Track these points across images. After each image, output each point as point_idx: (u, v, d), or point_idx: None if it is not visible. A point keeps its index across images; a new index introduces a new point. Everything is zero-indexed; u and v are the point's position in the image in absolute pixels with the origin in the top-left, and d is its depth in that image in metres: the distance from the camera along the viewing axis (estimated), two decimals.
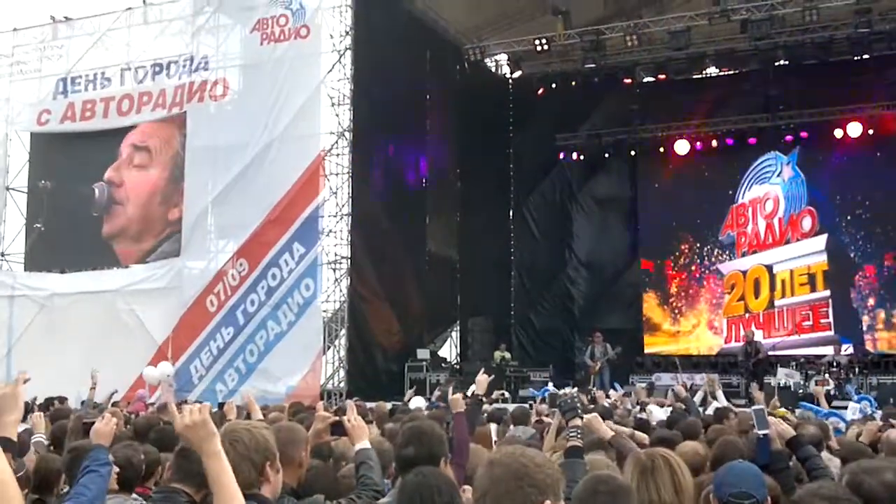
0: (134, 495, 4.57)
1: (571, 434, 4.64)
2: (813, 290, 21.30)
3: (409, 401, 11.75)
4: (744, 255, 22.34)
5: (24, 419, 8.70)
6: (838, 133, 21.14)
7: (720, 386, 12.02)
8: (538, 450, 2.98)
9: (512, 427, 8.10)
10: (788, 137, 21.83)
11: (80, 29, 21.39)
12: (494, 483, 2.49)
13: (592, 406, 9.40)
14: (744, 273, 22.21)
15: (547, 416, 8.65)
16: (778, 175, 22.11)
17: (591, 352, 19.12)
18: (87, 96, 20.98)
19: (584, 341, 21.88)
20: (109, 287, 19.84)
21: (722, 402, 10.73)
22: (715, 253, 22.66)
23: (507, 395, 15.03)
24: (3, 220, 21.66)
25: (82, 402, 10.59)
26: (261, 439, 3.27)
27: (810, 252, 21.53)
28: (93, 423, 4.38)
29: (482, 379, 6.37)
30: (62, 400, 11.79)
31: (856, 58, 21.07)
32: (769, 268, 21.91)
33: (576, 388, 14.09)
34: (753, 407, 5.43)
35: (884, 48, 20.22)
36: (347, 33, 18.84)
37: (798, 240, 21.71)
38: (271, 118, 18.75)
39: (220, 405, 12.44)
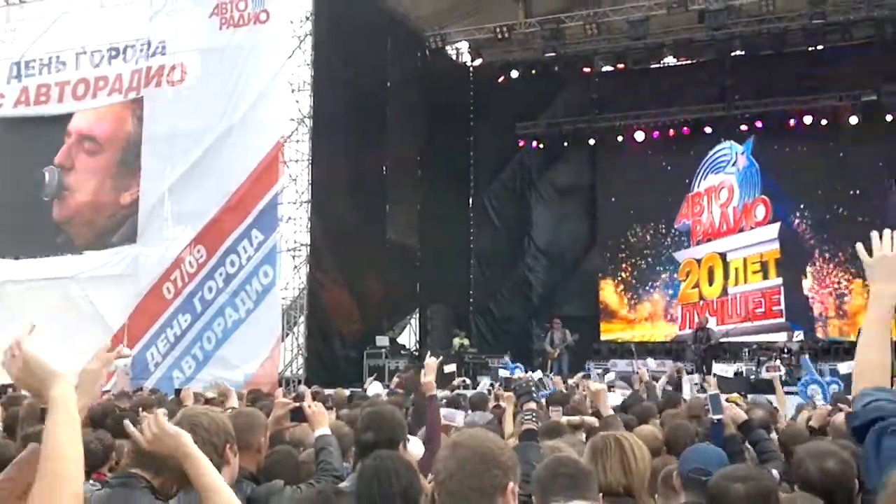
0: (91, 481, 4.55)
1: (526, 417, 4.71)
2: (765, 277, 21.63)
3: (367, 387, 11.77)
4: (699, 243, 22.64)
5: None
6: (792, 123, 21.46)
7: (684, 374, 12.21)
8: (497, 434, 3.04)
9: (469, 412, 8.15)
10: (744, 127, 22.12)
11: (33, 11, 21.01)
12: (460, 464, 2.51)
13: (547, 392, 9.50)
14: (698, 261, 22.50)
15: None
16: (733, 164, 22.39)
17: (551, 338, 19.31)
18: (42, 80, 20.64)
19: (542, 328, 22.07)
20: (64, 274, 19.57)
21: (687, 391, 10.88)
22: (671, 241, 22.94)
23: (468, 381, 15.11)
24: None
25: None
26: (220, 422, 3.29)
27: (763, 240, 21.84)
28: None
29: (430, 362, 6.44)
30: (16, 387, 11.64)
31: (810, 48, 21.40)
32: (723, 255, 22.20)
33: (539, 371, 14.16)
34: (709, 392, 5.56)
35: (837, 39, 20.57)
36: (308, 18, 18.74)
37: (752, 228, 22.02)
38: (230, 104, 18.59)
39: (177, 392, 12.40)
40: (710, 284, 22.25)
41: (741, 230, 22.18)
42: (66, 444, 2.00)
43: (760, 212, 21.98)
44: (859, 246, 2.87)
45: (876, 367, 2.62)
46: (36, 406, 5.58)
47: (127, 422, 3.06)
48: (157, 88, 19.58)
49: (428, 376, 6.21)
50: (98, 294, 19.16)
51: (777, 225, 21.65)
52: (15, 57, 20.84)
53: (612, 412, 5.83)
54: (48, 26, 20.63)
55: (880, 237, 2.75)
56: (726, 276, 22.11)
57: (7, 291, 19.80)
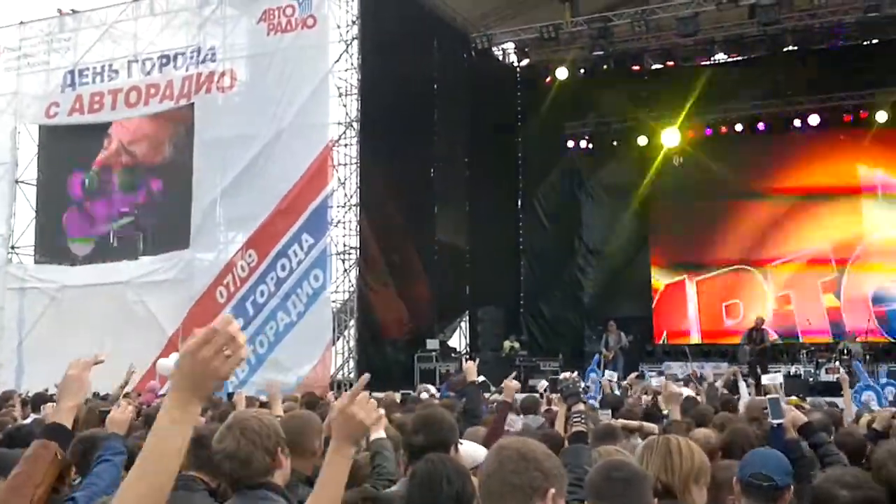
0: None
1: (575, 419, 4.62)
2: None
3: (421, 392, 11.74)
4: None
5: (37, 410, 8.74)
6: (849, 118, 21.06)
7: (741, 377, 11.99)
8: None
9: (522, 416, 8.09)
10: (797, 123, 21.72)
11: (86, 21, 21.39)
12: (501, 463, 2.51)
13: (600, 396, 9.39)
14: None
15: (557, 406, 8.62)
16: None
17: (606, 341, 19.10)
18: (95, 88, 20.98)
19: (594, 330, 21.90)
20: (119, 279, 19.86)
21: (744, 393, 10.68)
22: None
23: (517, 384, 14.98)
24: (13, 214, 21.67)
25: (94, 394, 10.62)
26: (270, 426, 3.29)
27: None
28: (108, 411, 4.39)
29: (470, 366, 6.39)
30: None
31: (865, 42, 20.95)
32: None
33: (576, 373, 13.98)
34: (769, 396, 5.44)
35: (893, 32, 20.11)
36: (354, 23, 18.79)
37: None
38: (279, 109, 18.71)
39: (230, 395, 12.48)
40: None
41: None
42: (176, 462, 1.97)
43: None
44: None
45: None
46: (95, 410, 5.65)
47: (361, 379, 2.87)
48: (207, 95, 19.79)
49: (471, 378, 6.16)
50: (152, 299, 19.40)
51: None
52: (69, 66, 21.22)
53: (679, 417, 5.68)
54: (100, 35, 20.98)
55: None
56: None
57: (64, 297, 20.17)
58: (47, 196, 21.59)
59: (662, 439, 3.65)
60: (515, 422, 6.53)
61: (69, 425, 3.53)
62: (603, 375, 14.66)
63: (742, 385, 11.54)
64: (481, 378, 6.37)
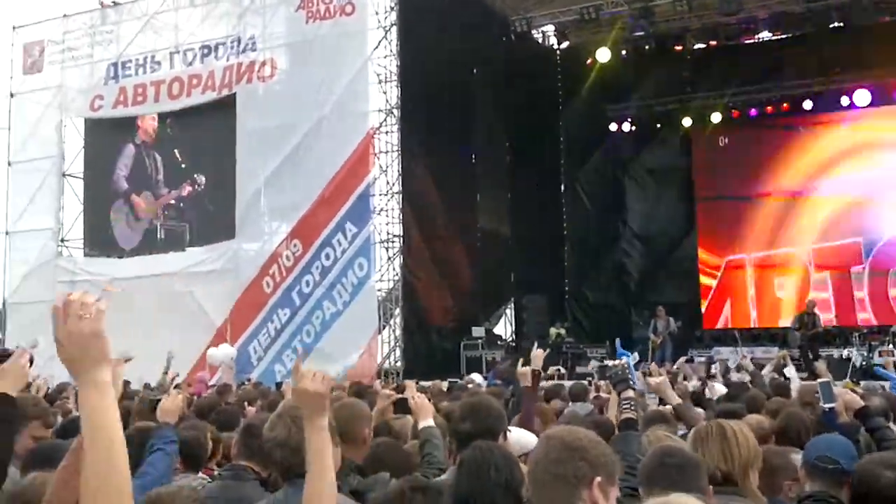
0: (200, 475, 4.60)
1: (625, 406, 4.56)
2: None
3: (468, 382, 11.71)
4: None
5: None
6: None
7: (791, 362, 11.80)
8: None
9: (570, 403, 8.03)
10: (845, 100, 21.29)
11: (128, 13, 21.59)
12: (546, 452, 2.54)
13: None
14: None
15: (607, 393, 8.55)
16: None
17: (654, 326, 18.90)
18: (138, 80, 21.19)
19: (640, 315, 21.73)
20: (167, 270, 20.08)
21: (793, 377, 10.51)
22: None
23: (562, 370, 14.92)
24: (61, 207, 21.98)
25: (145, 385, 10.74)
26: None
27: None
28: (158, 401, 4.42)
29: (538, 353, 6.33)
30: (125, 383, 11.96)
31: None
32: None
33: (625, 359, 13.82)
34: (819, 380, 5.36)
35: None
36: (392, 9, 18.76)
37: None
38: (319, 97, 18.75)
39: (279, 385, 12.57)
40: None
41: None
42: (117, 428, 1.97)
43: None
44: None
45: None
46: (145, 400, 5.69)
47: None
48: (249, 84, 19.89)
49: (535, 365, 6.12)
50: (200, 290, 19.60)
51: None
52: (112, 58, 21.44)
53: (679, 401, 5.61)
54: (142, 27, 21.17)
55: None
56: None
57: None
58: (94, 189, 21.88)
59: (716, 426, 3.59)
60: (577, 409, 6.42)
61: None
62: (651, 363, 14.53)
63: (791, 369, 11.35)
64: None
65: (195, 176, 20.83)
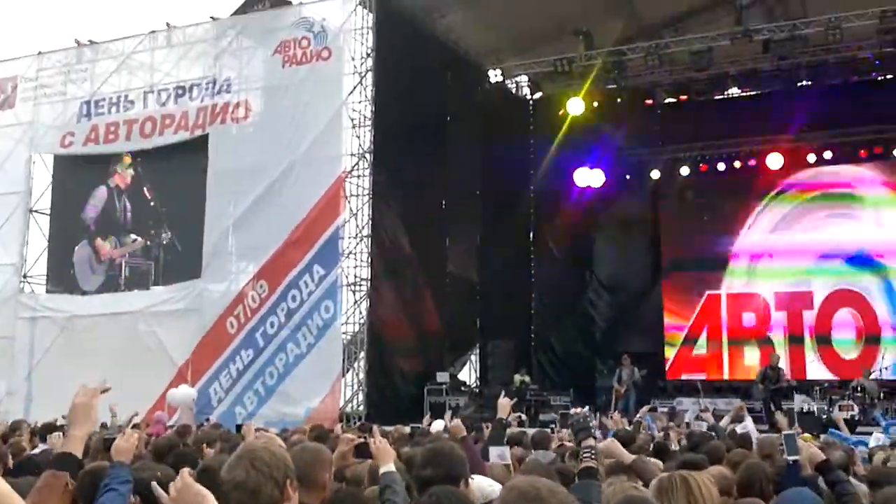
0: None
1: (585, 454, 4.55)
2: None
3: (429, 424, 11.62)
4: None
5: (45, 440, 8.69)
6: (863, 153, 21.01)
7: (747, 413, 11.85)
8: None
9: (532, 451, 7.98)
10: (812, 158, 21.67)
11: (104, 52, 21.57)
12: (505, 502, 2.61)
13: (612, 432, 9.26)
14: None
15: (570, 441, 8.52)
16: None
17: (619, 375, 18.99)
18: (111, 119, 21.11)
19: (605, 364, 21.77)
20: (130, 308, 19.87)
21: (751, 429, 10.55)
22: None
23: (523, 417, 14.87)
24: (25, 242, 21.73)
25: (102, 424, 10.56)
26: (280, 457, 3.22)
27: None
28: (113, 440, 4.33)
29: (504, 402, 6.31)
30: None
31: (880, 77, 20.95)
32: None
33: (587, 407, 13.85)
34: (784, 432, 5.37)
35: None
36: (369, 55, 18.91)
37: None
38: (293, 140, 18.80)
39: (238, 427, 12.41)
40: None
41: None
42: None
43: None
44: None
45: None
46: (101, 439, 5.59)
47: (154, 484, 3.07)
48: (222, 125, 19.90)
49: (501, 414, 6.10)
50: (163, 329, 19.39)
51: None
52: (85, 96, 21.37)
53: (632, 458, 5.62)
54: (117, 66, 21.15)
55: None
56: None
57: (73, 326, 20.16)
58: (60, 226, 21.66)
59: (680, 478, 3.57)
60: (504, 455, 6.37)
61: (79, 454, 3.49)
62: (614, 411, 14.53)
63: (749, 421, 11.40)
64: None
65: (163, 227, 20.65)
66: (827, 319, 21.26)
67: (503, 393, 6.79)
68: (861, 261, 21.17)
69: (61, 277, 21.37)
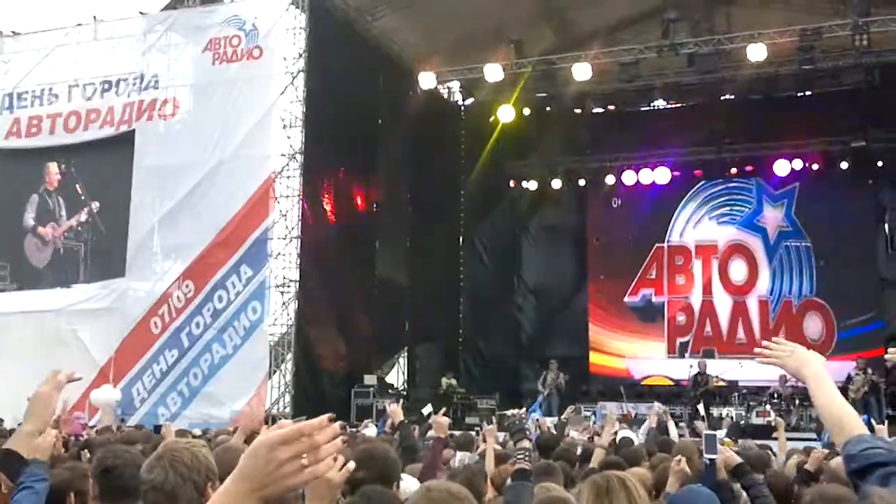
0: None
1: (519, 455, 4.62)
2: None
3: (363, 429, 11.61)
4: (685, 351, 21.85)
5: None
6: (780, 167, 21.60)
7: (669, 417, 12.13)
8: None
9: (457, 453, 8.05)
10: (734, 170, 22.27)
11: (27, 44, 21.04)
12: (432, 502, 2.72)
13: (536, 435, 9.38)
14: (679, 388, 20.08)
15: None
16: (756, 217, 22.11)
17: (544, 378, 19.24)
18: (34, 112, 20.61)
19: (531, 368, 21.99)
20: (52, 306, 19.41)
21: (673, 433, 10.80)
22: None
23: (448, 420, 14.92)
24: None
25: (19, 425, 10.31)
26: (202, 458, 3.18)
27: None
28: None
29: (442, 421, 6.34)
30: None
31: (800, 94, 21.60)
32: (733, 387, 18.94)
33: (524, 409, 14.02)
34: (706, 432, 5.51)
35: (826, 85, 20.79)
36: (300, 56, 18.79)
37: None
38: (222, 139, 18.60)
39: (157, 428, 12.25)
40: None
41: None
42: None
43: (814, 327, 21.00)
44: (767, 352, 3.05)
45: (853, 420, 2.76)
46: None
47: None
48: (149, 122, 19.58)
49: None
50: (85, 328, 18.98)
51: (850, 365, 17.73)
52: (8, 88, 20.83)
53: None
54: (41, 59, 20.65)
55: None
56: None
57: None
58: None
59: (616, 479, 3.61)
60: (465, 458, 6.49)
61: (27, 451, 3.37)
62: (539, 413, 14.72)
63: (671, 425, 11.67)
64: (427, 410, 6.39)
65: (91, 204, 20.23)
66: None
67: (437, 412, 6.82)
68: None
69: None
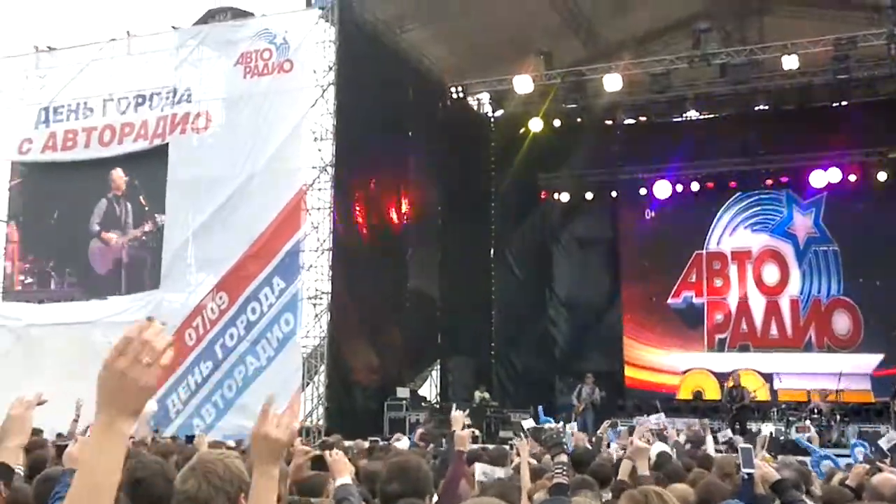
0: None
1: (556, 469, 4.57)
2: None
3: (395, 442, 11.59)
4: (722, 346, 21.98)
5: None
6: (816, 178, 21.36)
7: (709, 431, 11.99)
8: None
9: (477, 465, 7.96)
10: (769, 181, 22.05)
11: (63, 59, 21.31)
12: None
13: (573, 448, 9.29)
14: (720, 378, 20.84)
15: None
16: (787, 226, 22.04)
17: (579, 392, 19.03)
18: (69, 126, 20.85)
19: (564, 382, 21.85)
20: (87, 318, 19.57)
21: (710, 447, 10.68)
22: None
23: (476, 433, 14.84)
24: None
25: (58, 434, 10.39)
26: (234, 469, 3.18)
27: (850, 371, 19.58)
28: (65, 446, 4.28)
29: (457, 415, 6.29)
30: (37, 431, 11.56)
31: (834, 104, 21.36)
32: (768, 379, 20.61)
33: (562, 423, 13.90)
34: (741, 445, 5.44)
35: (861, 95, 20.55)
36: (331, 68, 18.86)
37: (828, 348, 21.14)
38: (254, 151, 18.71)
39: (189, 438, 12.29)
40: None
41: (808, 347, 21.28)
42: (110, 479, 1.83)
43: (842, 323, 21.15)
44: None
45: None
46: (56, 445, 5.52)
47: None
48: (182, 135, 19.73)
49: (456, 428, 6.09)
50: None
51: (877, 357, 19.91)
52: (44, 102, 21.09)
53: (648, 473, 5.67)
54: (77, 73, 20.91)
55: None
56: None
57: (29, 335, 19.82)
58: (24, 233, 21.25)
59: (654, 493, 3.58)
60: (495, 472, 6.41)
61: (14, 464, 3.49)
62: (572, 427, 14.57)
63: (709, 440, 11.53)
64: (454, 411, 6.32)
65: (157, 216, 20.35)
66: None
67: (455, 406, 6.78)
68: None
69: (16, 285, 21.00)
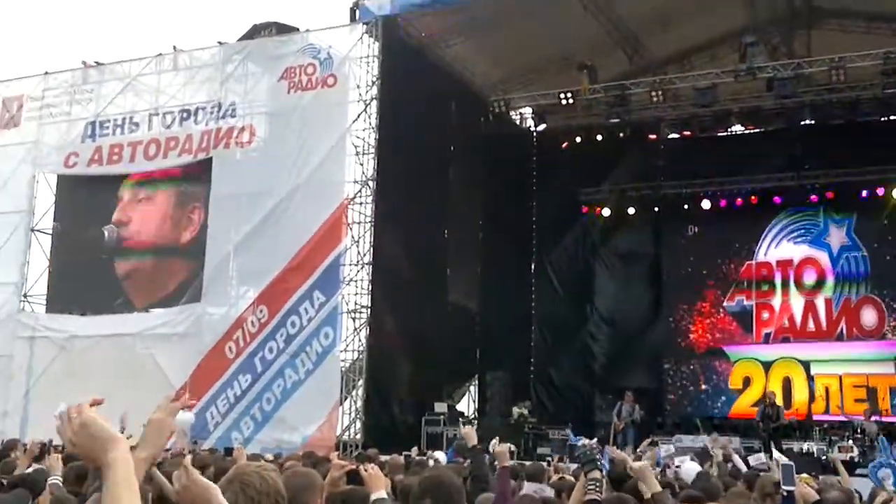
0: None
1: (590, 486, 4.50)
2: (875, 412, 18.60)
3: (432, 457, 11.52)
4: (768, 339, 22.20)
5: (39, 460, 8.64)
6: (865, 194, 21.01)
7: (732, 449, 11.78)
8: None
9: (526, 484, 7.88)
10: (814, 197, 21.72)
11: (110, 73, 21.69)
12: None
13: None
14: (765, 365, 21.89)
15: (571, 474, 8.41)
16: (823, 237, 22.09)
17: (619, 410, 18.79)
18: (115, 140, 21.16)
19: (604, 399, 21.62)
20: (129, 330, 19.81)
21: (739, 464, 10.49)
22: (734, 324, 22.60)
23: (513, 448, 14.71)
24: (27, 262, 21.70)
25: None
26: (271, 482, 3.19)
27: (873, 358, 21.23)
28: None
29: (503, 450, 6.20)
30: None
31: (882, 118, 21.00)
32: (805, 365, 21.55)
33: (595, 440, 13.69)
34: (782, 462, 5.33)
35: None
36: (374, 83, 18.96)
37: (856, 338, 21.50)
38: (296, 165, 18.85)
39: (228, 450, 12.33)
40: (787, 405, 19.76)
41: (840, 338, 21.69)
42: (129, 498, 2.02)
43: (870, 317, 21.55)
44: None
45: None
46: None
47: (155, 469, 3.03)
48: (226, 150, 19.95)
49: (502, 461, 6.00)
50: (161, 352, 19.30)
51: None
52: (90, 117, 21.44)
53: (659, 489, 5.56)
54: (123, 88, 21.24)
55: None
56: (812, 397, 21.24)
57: (72, 347, 20.10)
58: (62, 245, 21.62)
59: None
60: (543, 490, 6.32)
61: (140, 478, 3.31)
62: (612, 446, 14.37)
63: (737, 459, 11.34)
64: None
65: (198, 228, 20.54)
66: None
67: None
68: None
69: (61, 297, 21.31)
